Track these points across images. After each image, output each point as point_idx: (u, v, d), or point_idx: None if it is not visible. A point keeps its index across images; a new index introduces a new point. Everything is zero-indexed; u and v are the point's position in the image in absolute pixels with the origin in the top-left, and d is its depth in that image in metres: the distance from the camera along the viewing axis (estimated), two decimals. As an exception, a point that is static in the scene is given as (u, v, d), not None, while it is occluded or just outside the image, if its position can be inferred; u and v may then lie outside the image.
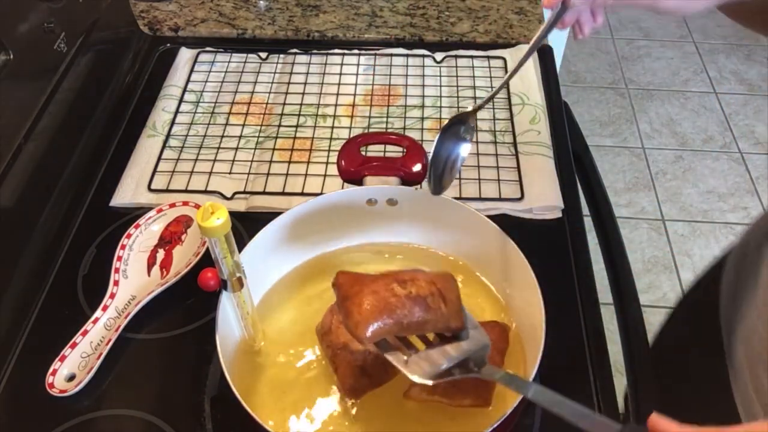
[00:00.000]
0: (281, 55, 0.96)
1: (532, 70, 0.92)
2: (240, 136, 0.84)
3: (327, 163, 0.80)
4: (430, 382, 0.47)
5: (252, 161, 0.81)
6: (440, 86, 0.91)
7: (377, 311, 0.47)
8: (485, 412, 0.54)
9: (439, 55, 0.95)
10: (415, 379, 0.47)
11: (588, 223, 0.77)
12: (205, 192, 0.77)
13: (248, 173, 0.80)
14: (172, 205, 0.73)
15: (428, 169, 0.56)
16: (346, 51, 0.96)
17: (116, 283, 0.66)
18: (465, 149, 0.59)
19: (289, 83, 0.92)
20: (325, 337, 0.57)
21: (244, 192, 0.77)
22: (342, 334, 0.55)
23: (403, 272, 0.51)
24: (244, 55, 0.96)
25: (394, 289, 0.49)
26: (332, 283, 0.51)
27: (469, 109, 0.56)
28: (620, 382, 0.64)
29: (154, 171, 0.79)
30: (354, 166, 0.66)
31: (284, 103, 0.89)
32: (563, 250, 0.72)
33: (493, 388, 0.52)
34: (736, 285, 0.69)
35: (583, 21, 0.55)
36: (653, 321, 0.84)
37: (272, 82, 0.92)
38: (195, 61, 0.95)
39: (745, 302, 0.65)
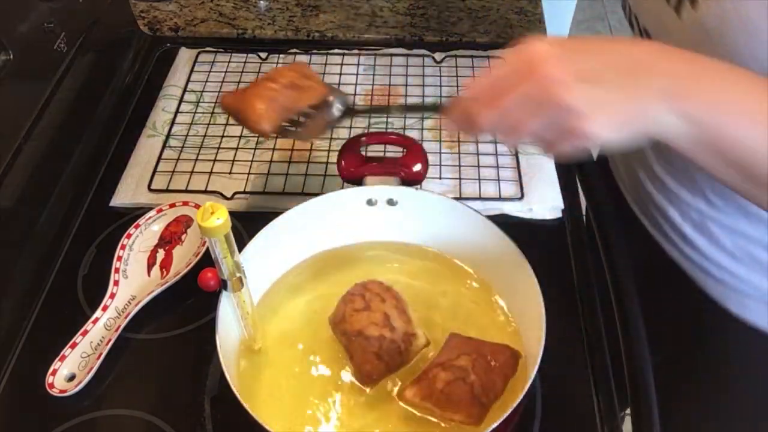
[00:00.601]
0: (281, 55, 0.96)
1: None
2: (240, 136, 0.84)
3: (327, 163, 0.80)
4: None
5: (252, 161, 0.81)
6: (440, 86, 0.91)
7: (266, 105, 0.60)
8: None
9: (439, 55, 0.95)
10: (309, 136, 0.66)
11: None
12: (205, 192, 0.77)
13: (248, 173, 0.80)
14: (172, 205, 0.73)
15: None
16: (346, 51, 0.96)
17: (116, 283, 0.66)
18: None
19: (289, 83, 0.92)
20: (339, 325, 0.58)
21: (244, 192, 0.77)
22: (356, 321, 0.56)
23: (270, 72, 0.63)
24: (244, 55, 0.96)
25: (270, 86, 0.61)
26: (221, 106, 0.64)
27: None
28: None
29: (154, 171, 0.79)
30: (354, 166, 0.66)
31: (284, 103, 0.89)
32: (563, 250, 0.72)
33: (488, 409, 0.53)
34: None
35: None
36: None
37: (272, 82, 0.92)
38: (195, 61, 0.95)
39: None
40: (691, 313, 0.74)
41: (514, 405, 0.48)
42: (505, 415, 0.48)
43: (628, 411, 0.63)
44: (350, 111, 0.65)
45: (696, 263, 0.69)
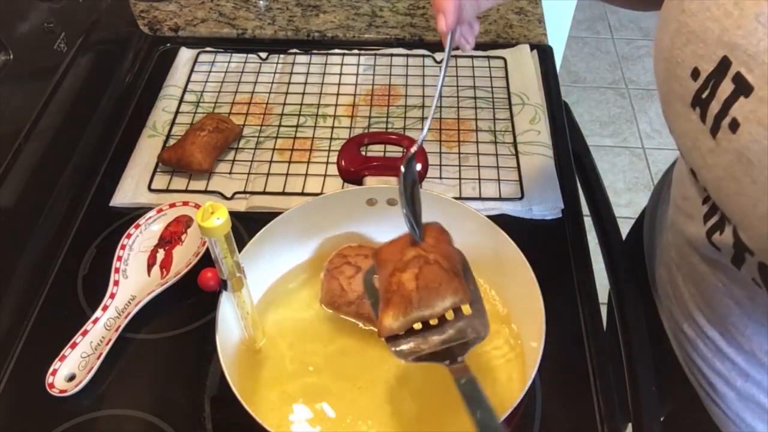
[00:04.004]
0: (281, 55, 0.96)
1: (532, 70, 0.92)
2: (240, 136, 0.84)
3: (327, 163, 0.80)
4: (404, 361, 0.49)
5: (252, 161, 0.81)
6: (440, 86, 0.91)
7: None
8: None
9: (439, 55, 0.95)
10: (396, 356, 0.50)
11: (588, 223, 0.77)
12: (205, 192, 0.77)
13: (248, 173, 0.80)
14: (172, 205, 0.73)
15: (408, 219, 0.52)
16: (346, 51, 0.96)
17: (116, 283, 0.66)
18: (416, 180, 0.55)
19: (289, 83, 0.92)
20: (340, 299, 0.58)
21: (244, 192, 0.77)
22: (357, 286, 0.57)
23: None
24: (244, 55, 0.96)
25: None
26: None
27: (413, 151, 0.54)
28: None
29: (154, 171, 0.79)
30: (354, 166, 0.66)
31: (284, 103, 0.89)
32: (563, 250, 0.72)
33: (461, 279, 0.51)
34: (651, 226, 0.75)
35: (466, 34, 0.59)
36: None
37: (272, 82, 0.92)
38: (195, 61, 0.95)
39: (657, 238, 0.71)
40: None
41: (514, 405, 0.48)
42: (506, 415, 0.48)
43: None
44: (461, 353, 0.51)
45: (702, 387, 0.64)
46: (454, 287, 0.50)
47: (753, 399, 0.58)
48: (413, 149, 0.53)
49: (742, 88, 0.41)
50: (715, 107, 0.43)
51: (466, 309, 0.51)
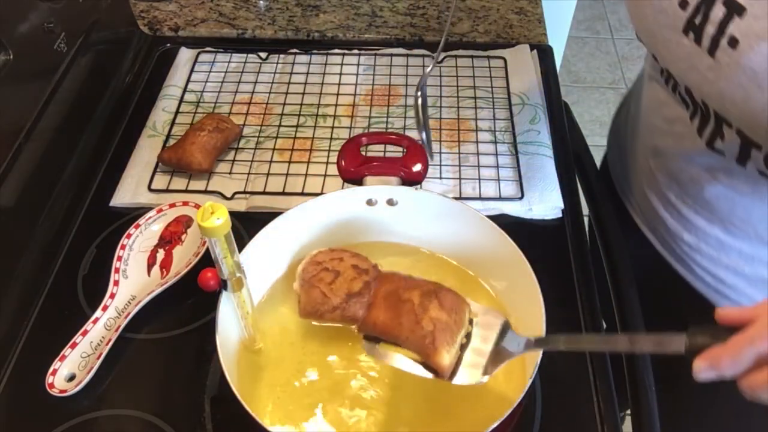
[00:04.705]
0: (281, 55, 0.96)
1: (532, 70, 0.92)
2: (240, 136, 0.84)
3: (327, 163, 0.80)
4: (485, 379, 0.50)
5: (252, 161, 0.81)
6: (440, 86, 0.91)
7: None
8: (484, 413, 0.54)
9: (438, 56, 0.95)
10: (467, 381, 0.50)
11: (588, 223, 0.77)
12: (205, 192, 0.77)
13: (248, 173, 0.80)
14: (172, 205, 0.73)
15: (425, 144, 0.61)
16: (346, 51, 0.96)
17: (116, 283, 0.66)
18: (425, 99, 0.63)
19: (289, 83, 0.92)
20: (322, 306, 0.56)
21: (244, 192, 0.77)
22: (340, 290, 0.55)
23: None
24: (244, 55, 0.96)
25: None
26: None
27: (429, 71, 0.62)
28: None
29: (154, 171, 0.79)
30: (354, 166, 0.66)
31: (284, 103, 0.89)
32: (563, 250, 0.72)
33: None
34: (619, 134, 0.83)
35: None
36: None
37: (272, 82, 0.92)
38: (195, 61, 0.95)
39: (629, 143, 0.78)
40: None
41: (514, 405, 0.48)
42: (505, 415, 0.48)
43: (628, 411, 0.64)
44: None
45: (711, 286, 0.69)
46: (461, 296, 0.53)
47: (762, 278, 0.63)
48: (428, 69, 0.60)
49: (734, 9, 0.48)
50: (710, 29, 0.50)
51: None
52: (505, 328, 0.52)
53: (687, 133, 0.62)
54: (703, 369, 0.39)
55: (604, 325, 0.70)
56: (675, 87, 0.61)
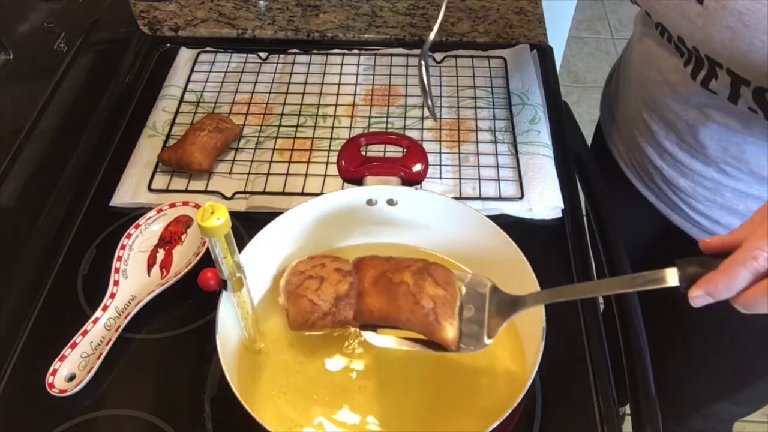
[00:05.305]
0: (281, 55, 0.96)
1: (532, 70, 0.92)
2: (240, 136, 0.84)
3: (327, 163, 0.80)
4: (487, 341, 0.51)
5: (252, 161, 0.81)
6: (440, 86, 0.91)
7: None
8: (484, 413, 0.54)
9: (439, 55, 0.95)
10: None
11: (588, 223, 0.77)
12: (205, 192, 0.77)
13: (248, 173, 0.80)
14: (172, 205, 0.73)
15: (428, 97, 0.65)
16: (346, 51, 0.96)
17: (116, 283, 0.66)
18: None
19: (289, 83, 0.92)
20: (312, 315, 0.55)
21: (244, 192, 0.77)
22: (328, 295, 0.55)
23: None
24: (244, 55, 0.96)
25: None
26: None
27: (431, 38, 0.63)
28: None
29: (154, 171, 0.79)
30: (354, 166, 0.66)
31: (284, 103, 0.89)
32: (563, 250, 0.72)
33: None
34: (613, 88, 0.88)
35: None
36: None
37: (272, 82, 0.92)
38: (195, 61, 0.95)
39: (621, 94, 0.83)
40: None
41: (514, 405, 0.48)
42: (505, 415, 0.48)
43: (628, 411, 0.64)
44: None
45: (706, 229, 0.72)
46: (448, 268, 0.54)
47: None
48: (431, 36, 0.62)
49: None
50: None
51: None
52: (494, 290, 0.53)
53: (681, 80, 0.66)
54: (699, 296, 0.41)
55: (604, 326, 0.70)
56: (670, 38, 0.65)
